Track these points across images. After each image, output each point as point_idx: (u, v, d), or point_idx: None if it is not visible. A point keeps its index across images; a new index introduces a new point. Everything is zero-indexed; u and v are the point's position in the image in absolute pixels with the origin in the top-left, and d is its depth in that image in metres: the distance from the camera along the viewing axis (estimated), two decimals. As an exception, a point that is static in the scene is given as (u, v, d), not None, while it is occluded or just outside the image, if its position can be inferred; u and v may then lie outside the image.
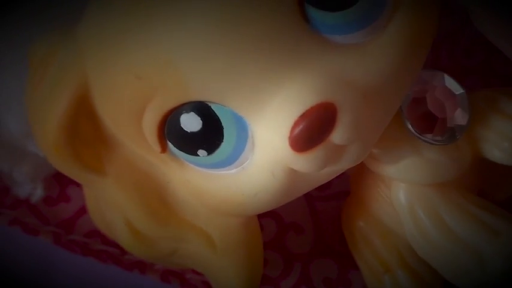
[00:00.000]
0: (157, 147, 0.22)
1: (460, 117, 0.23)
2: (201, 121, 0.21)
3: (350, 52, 0.20)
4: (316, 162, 0.20)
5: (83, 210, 0.30)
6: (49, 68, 0.23)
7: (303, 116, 0.20)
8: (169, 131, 0.22)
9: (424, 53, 0.22)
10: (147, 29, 0.20)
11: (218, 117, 0.21)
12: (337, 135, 0.20)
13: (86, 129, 0.23)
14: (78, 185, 0.31)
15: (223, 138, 0.21)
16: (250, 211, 0.23)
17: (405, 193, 0.24)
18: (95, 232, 0.30)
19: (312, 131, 0.20)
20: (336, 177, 0.31)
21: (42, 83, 0.23)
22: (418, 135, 0.23)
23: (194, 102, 0.21)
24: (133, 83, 0.21)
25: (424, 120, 0.23)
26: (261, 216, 0.30)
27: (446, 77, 0.23)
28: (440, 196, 0.24)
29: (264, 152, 0.21)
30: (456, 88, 0.23)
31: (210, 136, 0.21)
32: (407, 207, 0.24)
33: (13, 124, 0.29)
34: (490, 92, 0.24)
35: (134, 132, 0.22)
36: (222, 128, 0.21)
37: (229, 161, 0.22)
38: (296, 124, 0.20)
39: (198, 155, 0.22)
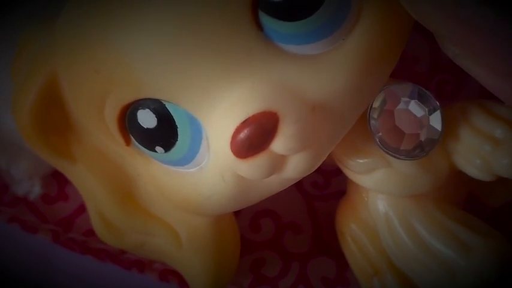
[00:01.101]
0: (121, 140, 0.23)
1: (430, 131, 0.23)
2: (156, 118, 0.21)
3: (304, 63, 0.20)
4: (259, 169, 0.20)
5: (81, 209, 0.30)
6: (25, 55, 0.24)
7: (244, 123, 0.20)
8: (129, 125, 0.22)
9: (386, 69, 0.22)
10: (105, 28, 0.21)
11: (172, 116, 0.21)
12: (277, 145, 0.20)
13: (56, 117, 0.24)
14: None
15: (177, 137, 0.22)
16: (209, 211, 0.24)
17: (382, 202, 0.25)
18: (93, 231, 0.30)
19: (253, 138, 0.20)
20: (335, 176, 0.31)
21: (18, 69, 0.24)
22: (385, 150, 0.23)
23: (150, 99, 0.21)
24: (92, 77, 0.21)
25: (394, 134, 0.23)
26: (259, 216, 0.30)
27: (419, 90, 0.23)
28: (416, 207, 0.24)
29: (216, 155, 0.21)
30: (429, 102, 0.23)
31: (165, 134, 0.22)
32: (383, 216, 0.25)
33: (10, 121, 0.29)
34: (467, 104, 0.24)
35: (101, 124, 0.23)
36: (176, 127, 0.21)
37: (186, 160, 0.22)
38: (237, 130, 0.20)
39: (156, 151, 0.22)
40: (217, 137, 0.21)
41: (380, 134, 0.23)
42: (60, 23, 0.23)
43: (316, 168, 0.22)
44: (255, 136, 0.20)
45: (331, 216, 0.30)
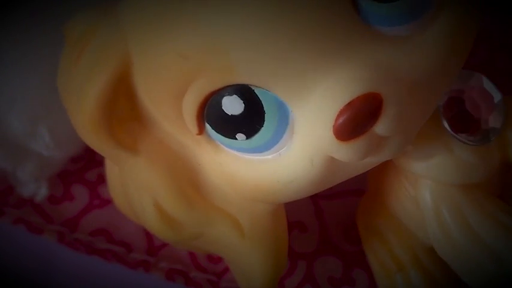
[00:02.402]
0: (194, 129, 0.22)
1: (494, 120, 0.23)
2: (243, 104, 0.21)
3: (398, 44, 0.20)
4: (358, 151, 0.20)
5: (87, 209, 0.31)
6: (88, 45, 0.23)
7: (348, 105, 0.20)
8: (209, 112, 0.22)
9: (466, 50, 0.22)
10: (195, 9, 0.20)
11: (261, 102, 0.21)
12: (381, 127, 0.20)
13: (122, 107, 0.23)
14: (82, 184, 0.31)
15: (263, 123, 0.21)
16: (283, 198, 0.23)
17: (431, 192, 0.24)
18: (99, 231, 0.30)
19: (357, 120, 0.20)
20: (340, 175, 0.31)
21: (80, 60, 0.23)
22: (454, 134, 0.23)
23: (238, 85, 0.21)
24: (178, 63, 0.21)
25: (458, 119, 0.23)
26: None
27: (484, 79, 0.23)
28: (466, 197, 0.24)
29: (304, 139, 0.21)
30: (493, 91, 0.23)
31: (251, 120, 0.21)
32: (432, 205, 0.24)
33: (16, 123, 0.29)
34: None
35: (173, 113, 0.22)
36: (263, 112, 0.21)
37: (267, 147, 0.22)
38: (341, 113, 0.20)
39: (236, 139, 0.22)
40: (313, 121, 0.21)
41: (447, 118, 0.23)
42: (127, 6, 0.22)
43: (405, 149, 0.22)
44: (360, 118, 0.20)
45: (338, 216, 0.30)
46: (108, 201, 0.31)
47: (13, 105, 0.29)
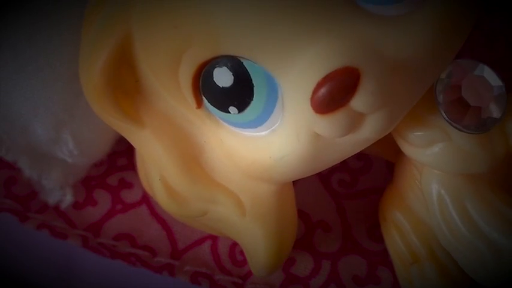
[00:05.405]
0: (193, 102, 0.23)
1: (494, 109, 0.23)
2: (232, 76, 0.22)
3: (385, 23, 0.20)
4: (337, 126, 0.21)
5: (109, 214, 0.31)
6: (98, 14, 0.24)
7: (326, 78, 0.20)
8: (203, 85, 0.22)
9: (462, 35, 0.22)
10: None
11: (249, 74, 0.21)
12: (357, 101, 0.20)
13: (127, 79, 0.24)
14: (104, 188, 0.31)
15: (253, 96, 0.22)
16: (277, 176, 0.24)
17: (435, 181, 0.25)
18: (122, 235, 0.30)
19: (334, 93, 0.20)
20: (362, 174, 0.31)
21: (91, 29, 0.24)
22: (449, 121, 0.23)
23: (227, 56, 0.21)
24: (170, 32, 0.21)
25: (457, 107, 0.23)
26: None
27: (486, 68, 0.23)
28: (469, 188, 0.24)
29: (291, 114, 0.22)
30: (495, 80, 0.23)
31: (241, 93, 0.22)
32: (435, 194, 0.25)
33: (41, 131, 0.29)
34: None
35: (173, 85, 0.23)
36: (252, 85, 0.22)
37: (259, 122, 0.22)
38: (319, 85, 0.20)
39: (229, 112, 0.22)
40: (296, 94, 0.21)
41: (445, 105, 0.23)
42: None
43: (390, 130, 0.22)
44: (337, 91, 0.20)
45: (360, 214, 0.30)
46: (130, 206, 0.31)
47: (37, 113, 0.29)
